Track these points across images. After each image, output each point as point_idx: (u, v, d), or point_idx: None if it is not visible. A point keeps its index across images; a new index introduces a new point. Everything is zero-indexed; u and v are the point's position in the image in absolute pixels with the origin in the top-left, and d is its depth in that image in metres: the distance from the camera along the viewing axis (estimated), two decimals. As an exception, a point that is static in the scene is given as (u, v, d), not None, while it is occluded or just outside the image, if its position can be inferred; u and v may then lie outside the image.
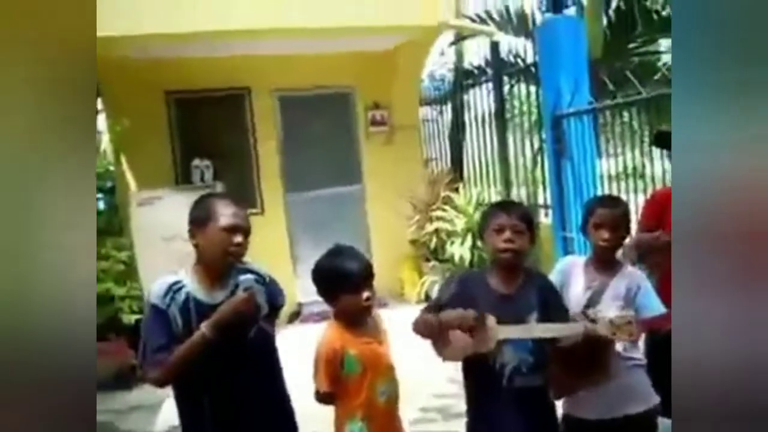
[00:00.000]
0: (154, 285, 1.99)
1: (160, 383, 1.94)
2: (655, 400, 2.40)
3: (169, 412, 3.53)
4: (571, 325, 2.07)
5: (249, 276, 2.11)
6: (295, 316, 6.36)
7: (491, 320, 1.98)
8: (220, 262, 2.02)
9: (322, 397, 2.13)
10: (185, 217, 2.05)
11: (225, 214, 1.99)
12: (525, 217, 2.12)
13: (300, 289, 6.20)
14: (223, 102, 6.53)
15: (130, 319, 4.78)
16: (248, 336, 2.02)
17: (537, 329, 2.04)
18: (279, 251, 6.58)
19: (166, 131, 6.37)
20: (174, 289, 1.96)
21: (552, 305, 2.16)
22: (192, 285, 1.99)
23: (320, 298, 2.22)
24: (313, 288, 2.23)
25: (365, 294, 2.12)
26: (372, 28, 5.80)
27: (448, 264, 6.25)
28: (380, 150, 6.91)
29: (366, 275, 2.14)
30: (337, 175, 6.91)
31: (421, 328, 2.10)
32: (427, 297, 6.33)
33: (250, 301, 1.99)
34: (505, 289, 2.13)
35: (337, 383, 2.10)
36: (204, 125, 6.45)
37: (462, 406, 2.28)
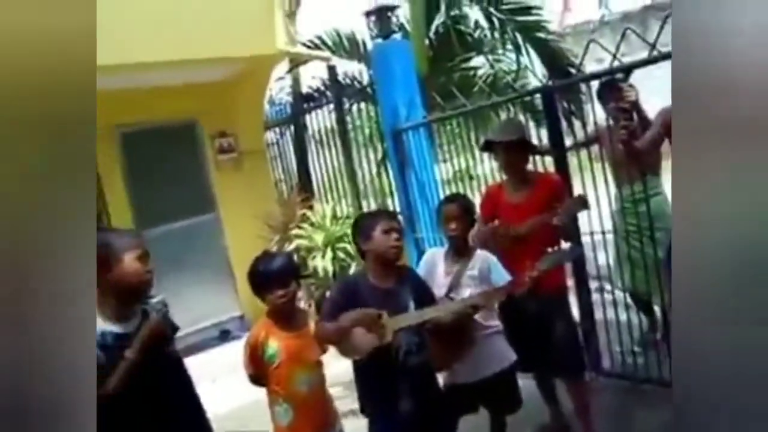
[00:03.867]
0: None
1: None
2: (513, 357, 2.91)
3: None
4: (454, 303, 2.57)
5: (158, 298, 2.25)
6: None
7: (384, 315, 2.34)
8: (136, 291, 2.13)
9: (251, 379, 2.56)
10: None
11: (134, 244, 2.11)
12: (399, 221, 2.65)
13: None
14: (59, 142, 6.25)
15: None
16: (164, 354, 2.16)
17: (426, 313, 2.45)
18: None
19: None
20: None
21: (423, 293, 2.60)
22: (102, 321, 2.05)
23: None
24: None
25: (279, 292, 2.44)
26: (211, 59, 5.95)
27: (311, 279, 6.51)
28: (231, 177, 7.03)
29: (276, 276, 2.46)
30: (189, 206, 6.89)
31: (327, 335, 2.41)
32: (295, 313, 6.56)
33: (166, 321, 2.16)
34: (385, 284, 2.51)
35: (260, 369, 2.50)
36: (40, 168, 6.13)
37: (349, 404, 2.61)
